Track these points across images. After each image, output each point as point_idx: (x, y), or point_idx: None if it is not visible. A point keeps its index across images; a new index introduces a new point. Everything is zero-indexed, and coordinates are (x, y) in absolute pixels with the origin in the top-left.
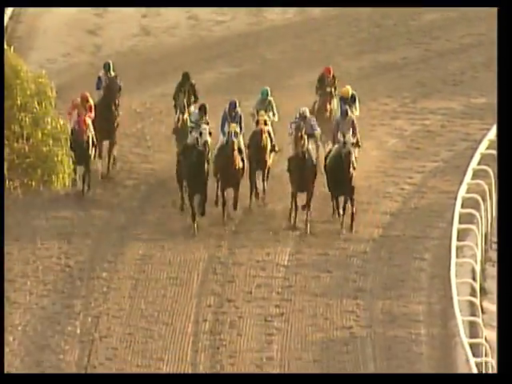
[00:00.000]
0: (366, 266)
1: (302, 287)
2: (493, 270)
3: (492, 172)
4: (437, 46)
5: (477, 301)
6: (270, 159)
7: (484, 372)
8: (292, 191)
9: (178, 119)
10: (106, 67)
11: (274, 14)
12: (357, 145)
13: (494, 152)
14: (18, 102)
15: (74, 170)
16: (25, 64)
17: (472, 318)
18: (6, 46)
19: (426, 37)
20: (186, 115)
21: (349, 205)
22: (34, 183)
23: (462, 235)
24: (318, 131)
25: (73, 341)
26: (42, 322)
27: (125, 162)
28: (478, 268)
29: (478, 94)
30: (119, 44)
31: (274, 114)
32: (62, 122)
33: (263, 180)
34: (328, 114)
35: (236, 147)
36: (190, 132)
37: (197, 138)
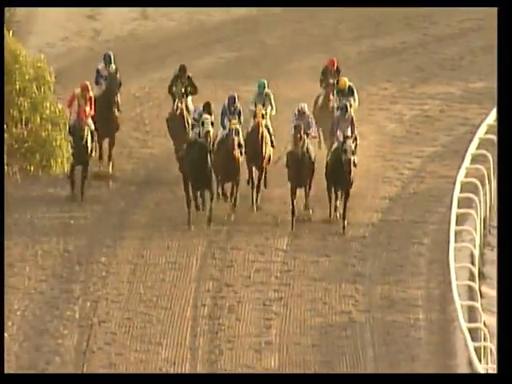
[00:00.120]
0: (365, 251)
1: (301, 272)
2: (491, 255)
3: (491, 156)
4: (436, 30)
5: (475, 285)
6: (268, 153)
7: (482, 356)
8: (291, 187)
9: (177, 107)
10: (107, 59)
11: None
12: (355, 144)
13: (493, 137)
14: (17, 86)
15: (72, 170)
16: (24, 48)
17: (471, 303)
18: (5, 31)
19: (426, 21)
20: (183, 103)
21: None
22: (32, 168)
23: (460, 220)
24: (313, 132)
25: (71, 325)
26: (41, 307)
27: (124, 147)
28: (476, 253)
29: (477, 79)
30: (118, 28)
31: (272, 107)
32: (60, 107)
33: (260, 177)
34: (332, 105)
35: (237, 145)
36: (192, 129)
37: (199, 132)
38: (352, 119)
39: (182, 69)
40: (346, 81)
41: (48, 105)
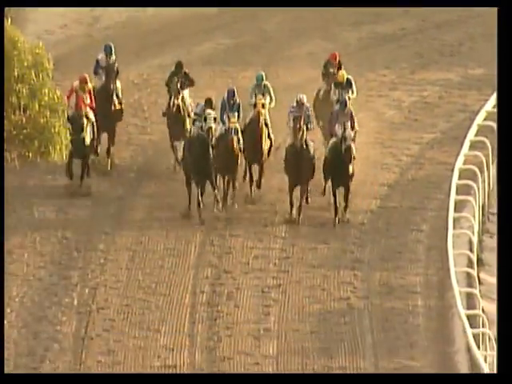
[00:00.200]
0: (364, 238)
1: (300, 258)
2: (490, 242)
3: (489, 143)
4: (435, 16)
5: (474, 272)
6: (267, 147)
7: (481, 343)
8: (289, 186)
9: (173, 104)
10: (107, 50)
11: None
12: (354, 137)
13: (492, 123)
14: (15, 73)
15: (69, 163)
16: (22, 35)
17: (469, 290)
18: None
19: (425, 7)
20: (179, 100)
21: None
22: (31, 154)
23: (459, 206)
24: (311, 125)
25: (70, 312)
26: (40, 294)
27: (122, 134)
28: (475, 239)
29: (476, 65)
30: (117, 15)
31: (271, 99)
32: (59, 94)
33: (260, 171)
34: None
35: (236, 143)
36: (193, 123)
37: (201, 126)
38: (351, 114)
39: (179, 65)
40: (344, 74)
41: (46, 91)
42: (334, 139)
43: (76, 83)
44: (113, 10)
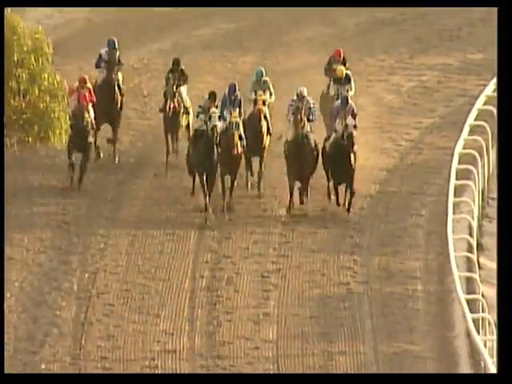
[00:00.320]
0: (363, 222)
1: (299, 243)
2: (490, 227)
3: (489, 128)
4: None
5: (474, 257)
6: (266, 141)
7: (481, 328)
8: (289, 182)
9: (169, 108)
10: (111, 45)
11: None
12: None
13: (491, 108)
14: (15, 58)
15: (69, 155)
16: (21, 20)
17: (469, 274)
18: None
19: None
20: (175, 101)
21: (348, 193)
22: (30, 139)
23: (458, 191)
24: (313, 116)
25: (70, 297)
26: (39, 279)
27: (122, 118)
28: (474, 224)
29: (475, 50)
30: None
31: (270, 95)
32: (58, 79)
33: (261, 165)
34: (330, 93)
35: (237, 138)
36: (197, 116)
37: (206, 122)
38: (353, 110)
39: (176, 62)
40: (342, 69)
41: (46, 76)
42: (334, 135)
43: (75, 84)
44: None
